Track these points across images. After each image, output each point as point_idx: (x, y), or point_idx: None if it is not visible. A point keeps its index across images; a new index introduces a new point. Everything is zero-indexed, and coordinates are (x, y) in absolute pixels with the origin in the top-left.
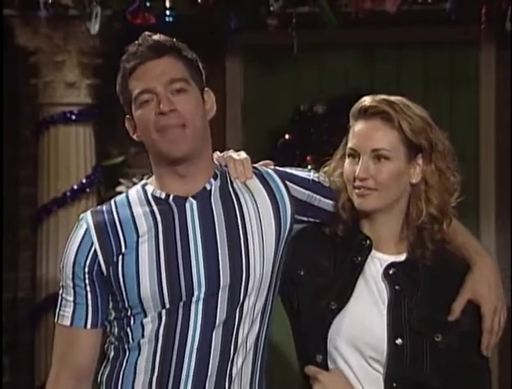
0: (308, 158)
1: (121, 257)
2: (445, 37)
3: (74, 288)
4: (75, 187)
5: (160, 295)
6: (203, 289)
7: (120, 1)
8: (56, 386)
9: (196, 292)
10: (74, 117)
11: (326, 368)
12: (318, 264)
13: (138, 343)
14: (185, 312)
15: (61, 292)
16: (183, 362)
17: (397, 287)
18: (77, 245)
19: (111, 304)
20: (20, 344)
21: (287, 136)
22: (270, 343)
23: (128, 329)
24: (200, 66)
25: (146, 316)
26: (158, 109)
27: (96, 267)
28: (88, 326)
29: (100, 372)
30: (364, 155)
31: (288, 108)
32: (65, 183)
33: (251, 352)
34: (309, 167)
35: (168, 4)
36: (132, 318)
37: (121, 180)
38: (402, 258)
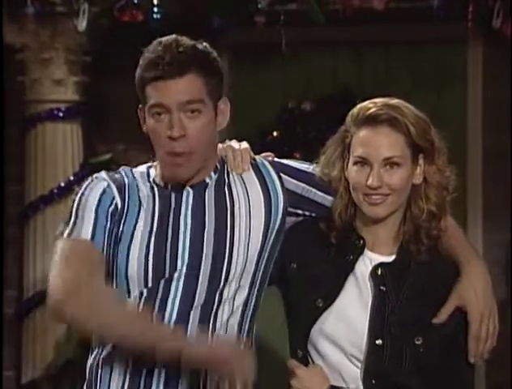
0: (296, 155)
1: (121, 228)
2: (433, 35)
3: (93, 212)
4: (62, 185)
5: (144, 273)
6: (185, 263)
7: None
8: (65, 270)
9: (179, 267)
10: (61, 114)
11: (307, 364)
12: (311, 259)
13: None
14: (164, 290)
15: (66, 221)
16: None
17: (382, 287)
18: (100, 192)
19: None
20: (7, 341)
21: (275, 133)
22: (260, 340)
23: None
24: (222, 74)
25: (129, 296)
26: (169, 132)
27: (114, 218)
28: (94, 240)
29: (88, 363)
30: (376, 163)
31: (276, 105)
32: (52, 181)
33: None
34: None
35: (155, 1)
36: None
37: None
38: (392, 258)
